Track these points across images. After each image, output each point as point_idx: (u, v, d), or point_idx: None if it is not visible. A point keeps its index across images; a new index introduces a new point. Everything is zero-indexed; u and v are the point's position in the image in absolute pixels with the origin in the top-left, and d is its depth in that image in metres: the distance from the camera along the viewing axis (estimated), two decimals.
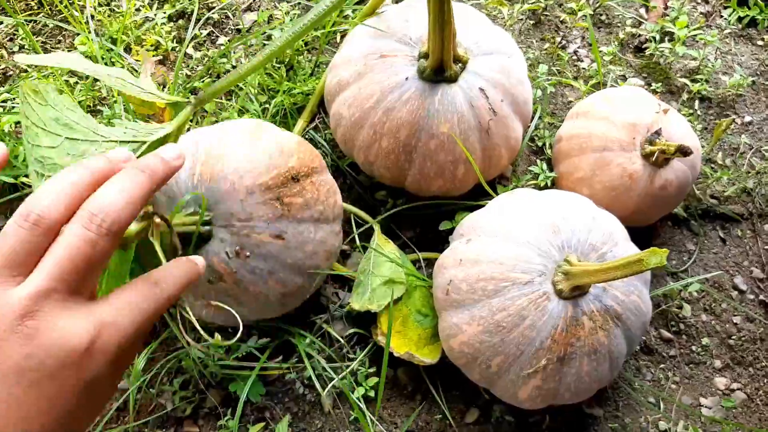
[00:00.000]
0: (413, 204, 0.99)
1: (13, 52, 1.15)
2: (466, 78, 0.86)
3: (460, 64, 0.86)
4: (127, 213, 0.45)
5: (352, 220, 0.99)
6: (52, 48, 1.15)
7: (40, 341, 0.40)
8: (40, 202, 0.43)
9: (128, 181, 0.47)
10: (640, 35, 1.24)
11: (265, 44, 1.14)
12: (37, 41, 1.16)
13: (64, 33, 1.17)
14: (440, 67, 0.83)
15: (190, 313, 0.62)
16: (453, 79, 0.85)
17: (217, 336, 0.63)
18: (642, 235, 1.03)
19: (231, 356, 0.86)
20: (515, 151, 0.94)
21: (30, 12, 1.20)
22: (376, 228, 0.95)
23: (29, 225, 0.42)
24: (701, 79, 1.18)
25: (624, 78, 1.20)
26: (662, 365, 0.94)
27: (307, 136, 1.06)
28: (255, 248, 0.73)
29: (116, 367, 0.45)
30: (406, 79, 0.85)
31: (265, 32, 1.10)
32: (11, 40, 1.17)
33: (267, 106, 1.05)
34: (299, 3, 1.20)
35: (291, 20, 1.14)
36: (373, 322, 0.88)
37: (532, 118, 1.11)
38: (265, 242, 0.73)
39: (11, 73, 1.14)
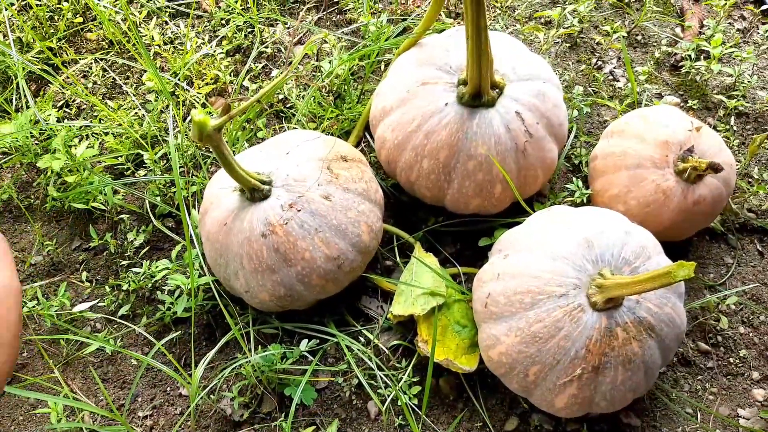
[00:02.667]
0: (452, 221, 1.04)
1: (87, 88, 1.26)
2: (503, 102, 0.92)
3: (497, 90, 0.92)
4: None
5: (394, 240, 1.05)
6: (123, 82, 1.26)
7: None
8: None
9: None
10: (675, 54, 1.27)
11: (314, 75, 1.22)
12: (108, 77, 1.27)
13: (132, 69, 1.28)
14: (478, 93, 0.89)
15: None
16: (490, 104, 0.91)
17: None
18: (679, 249, 1.05)
19: (286, 362, 0.93)
20: (551, 171, 0.99)
21: (102, 51, 1.32)
22: (417, 244, 1.01)
23: None
24: (737, 95, 1.20)
25: (660, 96, 1.23)
26: (700, 377, 0.96)
27: None
28: (306, 204, 0.87)
29: None
30: (446, 104, 0.92)
31: (314, 65, 1.19)
32: (85, 76, 1.29)
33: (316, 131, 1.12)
34: (345, 35, 1.28)
35: (338, 53, 1.22)
36: (415, 334, 0.94)
37: (569, 137, 1.15)
38: (314, 200, 0.87)
39: (84, 106, 1.25)
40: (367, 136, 1.16)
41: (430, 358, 0.85)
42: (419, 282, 0.95)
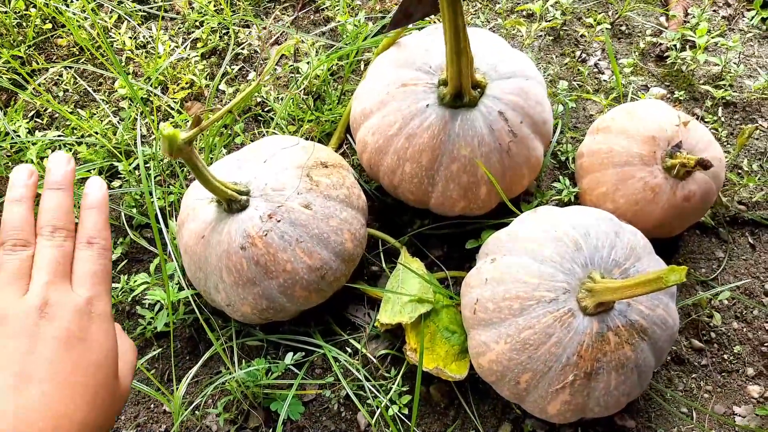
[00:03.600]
0: (439, 224, 1.02)
1: (57, 97, 1.23)
2: (485, 102, 0.89)
3: (478, 89, 0.89)
4: (68, 218, 0.59)
5: (380, 245, 1.03)
6: (95, 91, 1.22)
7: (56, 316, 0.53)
8: (14, 229, 0.56)
9: (56, 196, 0.59)
10: (661, 44, 1.25)
11: (292, 76, 1.19)
12: (80, 85, 1.23)
13: (104, 76, 1.25)
14: (459, 94, 0.87)
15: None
16: (472, 104, 0.88)
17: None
18: (669, 245, 1.03)
19: (271, 376, 0.90)
20: (537, 170, 0.97)
21: (73, 57, 1.28)
22: (403, 249, 0.98)
23: (15, 249, 0.55)
24: (725, 85, 1.19)
25: (646, 88, 1.21)
26: (694, 375, 0.95)
27: None
28: (285, 214, 0.83)
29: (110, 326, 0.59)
30: (427, 106, 0.89)
31: (291, 66, 1.15)
32: (56, 84, 1.25)
33: (296, 135, 1.09)
34: (324, 33, 1.25)
35: (316, 52, 1.19)
36: (403, 342, 0.91)
37: (554, 134, 1.13)
38: (294, 209, 0.84)
39: (57, 115, 1.21)
40: (349, 138, 1.13)
41: (418, 368, 0.83)
42: (406, 288, 0.92)
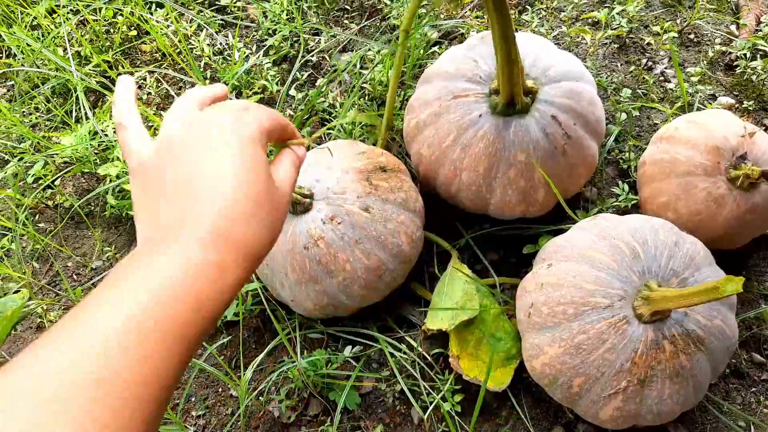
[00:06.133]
0: (497, 227, 1.04)
1: (140, 99, 1.32)
2: (537, 108, 0.91)
3: (530, 95, 0.91)
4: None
5: (434, 248, 1.06)
6: (176, 93, 1.31)
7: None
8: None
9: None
10: (730, 53, 1.23)
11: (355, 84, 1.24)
12: (162, 89, 1.32)
13: (183, 81, 1.33)
14: (511, 102, 0.89)
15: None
16: (525, 111, 0.91)
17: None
18: (734, 257, 1.02)
19: (331, 366, 0.95)
20: (592, 167, 0.98)
21: (155, 62, 1.37)
22: (454, 253, 1.01)
23: None
24: None
25: (714, 97, 1.19)
26: (753, 389, 0.94)
27: None
28: (345, 217, 0.88)
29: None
30: (480, 116, 0.92)
31: (357, 72, 1.20)
32: (140, 88, 1.34)
33: (358, 140, 1.14)
34: (389, 42, 1.29)
35: (380, 60, 1.23)
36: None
37: (617, 140, 1.13)
38: (354, 212, 0.88)
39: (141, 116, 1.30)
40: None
41: (480, 394, 0.84)
42: (451, 294, 0.95)
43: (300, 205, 0.88)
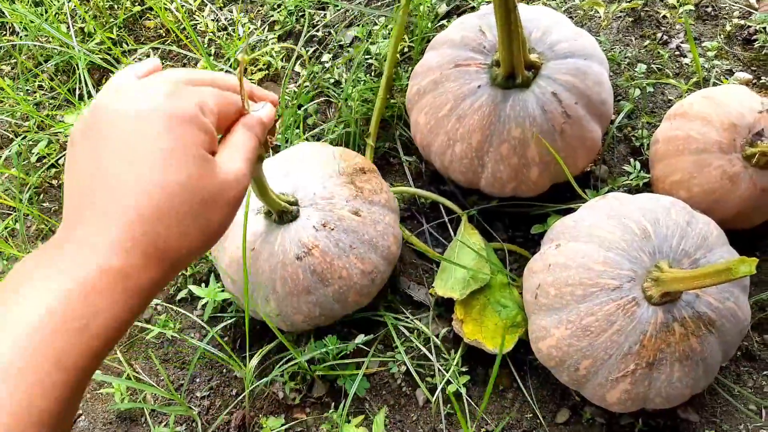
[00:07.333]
0: (504, 204, 1.02)
1: None
2: (538, 83, 0.88)
3: (533, 70, 0.88)
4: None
5: (442, 209, 1.04)
6: None
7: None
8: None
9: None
10: (749, 27, 1.19)
11: (366, 59, 1.21)
12: (167, 66, 1.30)
13: (188, 57, 1.31)
14: (512, 74, 0.87)
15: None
16: (526, 85, 0.88)
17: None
18: (748, 237, 0.99)
19: (340, 354, 0.94)
20: (594, 151, 0.95)
21: (159, 39, 1.35)
22: (464, 216, 0.99)
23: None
24: None
25: (731, 72, 1.16)
26: (765, 372, 0.92)
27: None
28: (338, 222, 0.85)
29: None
30: (479, 87, 0.89)
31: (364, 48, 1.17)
32: None
33: (369, 115, 1.11)
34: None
35: (385, 29, 1.20)
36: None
37: (630, 117, 1.10)
38: (345, 217, 0.86)
39: None
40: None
41: (496, 362, 0.84)
42: (462, 259, 0.93)
43: (287, 213, 0.85)
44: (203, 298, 1.02)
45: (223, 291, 0.99)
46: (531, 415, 0.91)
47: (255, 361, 0.93)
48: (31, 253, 0.40)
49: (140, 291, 0.40)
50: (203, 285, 1.05)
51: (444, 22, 1.24)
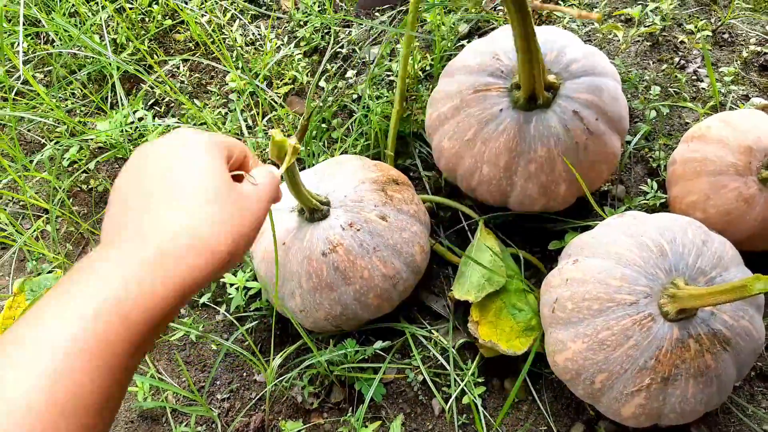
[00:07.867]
0: (521, 219, 1.04)
1: (175, 87, 1.34)
2: (559, 103, 0.91)
3: (552, 90, 0.91)
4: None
5: (461, 215, 1.07)
6: (208, 82, 1.33)
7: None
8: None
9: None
10: (765, 53, 1.21)
11: (387, 76, 1.25)
12: (195, 77, 1.34)
13: (216, 70, 1.35)
14: (532, 97, 0.89)
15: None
16: (546, 106, 0.91)
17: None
18: (763, 259, 1.01)
19: (358, 358, 0.96)
20: (614, 164, 0.98)
21: (189, 51, 1.39)
22: (481, 221, 1.02)
23: None
24: None
25: (747, 98, 1.18)
26: None
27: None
28: (364, 224, 0.89)
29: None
30: (501, 110, 0.92)
31: (387, 66, 1.21)
32: (173, 76, 1.37)
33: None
34: (421, 36, 1.29)
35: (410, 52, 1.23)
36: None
37: (647, 139, 1.12)
38: (372, 220, 0.90)
39: (173, 104, 1.33)
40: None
41: (523, 372, 0.86)
42: (478, 260, 0.96)
43: (318, 212, 0.89)
44: (223, 303, 1.05)
45: (250, 280, 1.04)
46: (545, 428, 0.93)
47: (278, 360, 0.95)
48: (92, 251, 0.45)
49: (175, 289, 0.44)
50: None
51: (465, 42, 1.27)
